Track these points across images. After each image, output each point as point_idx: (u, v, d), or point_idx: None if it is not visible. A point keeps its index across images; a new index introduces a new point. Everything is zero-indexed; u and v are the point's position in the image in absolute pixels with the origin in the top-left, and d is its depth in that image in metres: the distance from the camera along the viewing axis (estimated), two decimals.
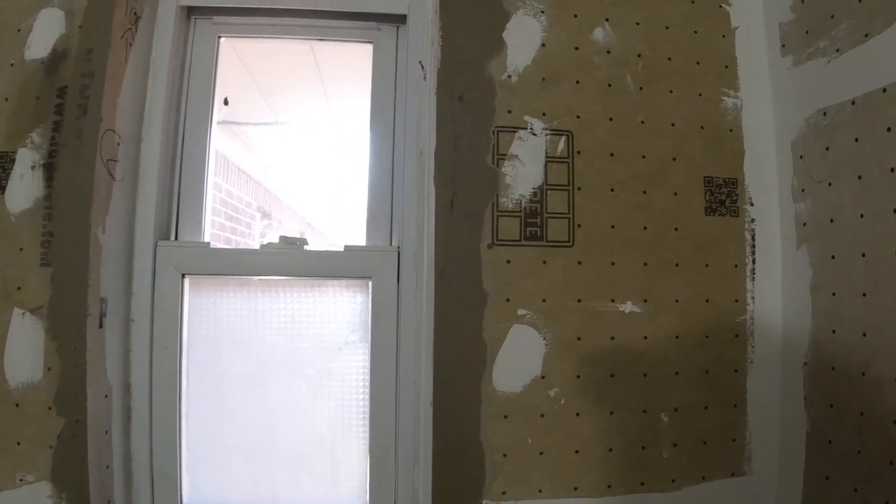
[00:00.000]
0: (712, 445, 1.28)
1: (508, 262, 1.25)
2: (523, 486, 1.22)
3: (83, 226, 1.18)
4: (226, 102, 1.44)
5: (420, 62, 1.33)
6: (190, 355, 1.30)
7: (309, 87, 1.60)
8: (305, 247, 1.30)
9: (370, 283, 1.30)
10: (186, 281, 1.29)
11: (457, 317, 1.21)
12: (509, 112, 1.28)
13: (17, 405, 1.17)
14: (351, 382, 1.32)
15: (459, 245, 1.22)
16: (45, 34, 1.23)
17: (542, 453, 1.23)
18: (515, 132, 1.27)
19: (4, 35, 1.24)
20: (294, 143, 1.57)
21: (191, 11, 1.35)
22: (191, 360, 1.31)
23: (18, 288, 1.18)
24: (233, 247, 1.26)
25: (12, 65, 1.25)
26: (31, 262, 1.19)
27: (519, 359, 1.22)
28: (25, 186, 1.21)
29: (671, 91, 1.33)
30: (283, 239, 1.30)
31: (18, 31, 1.24)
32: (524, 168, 1.27)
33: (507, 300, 1.24)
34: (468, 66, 1.27)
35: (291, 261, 1.29)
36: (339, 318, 1.32)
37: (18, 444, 1.18)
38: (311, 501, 1.32)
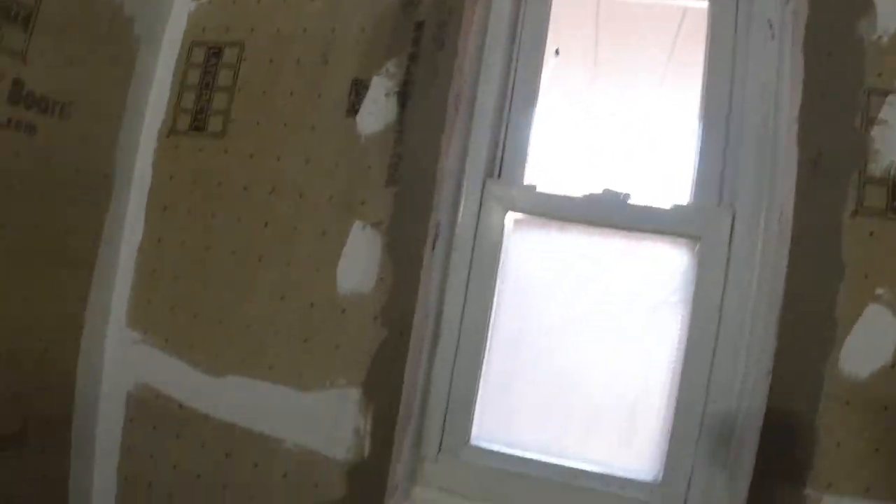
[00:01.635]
0: None
1: (871, 234, 1.14)
2: (851, 481, 1.10)
3: (433, 152, 1.23)
4: (557, 53, 1.47)
5: (769, 20, 1.28)
6: (502, 292, 1.31)
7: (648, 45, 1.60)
8: (629, 201, 1.28)
9: (697, 244, 1.25)
10: (509, 218, 1.30)
11: (809, 288, 1.12)
12: (879, 75, 1.18)
13: (343, 311, 1.23)
14: (661, 345, 1.27)
15: (820, 210, 1.14)
16: None
17: (877, 450, 1.11)
18: (886, 96, 1.18)
19: None
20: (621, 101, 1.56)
21: None
22: (502, 297, 1.32)
23: (362, 203, 1.25)
24: (558, 193, 1.25)
25: None
26: (376, 180, 1.25)
27: (869, 342, 1.11)
28: (378, 111, 1.28)
29: None
30: (608, 191, 1.29)
31: None
32: (894, 135, 1.18)
33: (866, 276, 1.13)
34: (836, 24, 1.19)
35: (615, 213, 1.27)
36: (657, 277, 1.28)
37: (337, 347, 1.23)
38: (599, 461, 1.28)
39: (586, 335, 1.29)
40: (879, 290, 1.10)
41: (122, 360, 1.39)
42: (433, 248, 1.24)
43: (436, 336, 1.29)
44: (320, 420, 1.24)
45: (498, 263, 1.30)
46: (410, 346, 1.20)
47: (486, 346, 1.30)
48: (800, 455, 1.10)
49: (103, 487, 1.40)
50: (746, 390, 1.17)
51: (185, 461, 1.33)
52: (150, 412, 1.36)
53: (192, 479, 1.33)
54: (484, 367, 1.30)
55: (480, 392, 1.31)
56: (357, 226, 1.25)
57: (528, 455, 1.28)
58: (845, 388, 1.09)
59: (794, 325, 1.11)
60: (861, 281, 1.10)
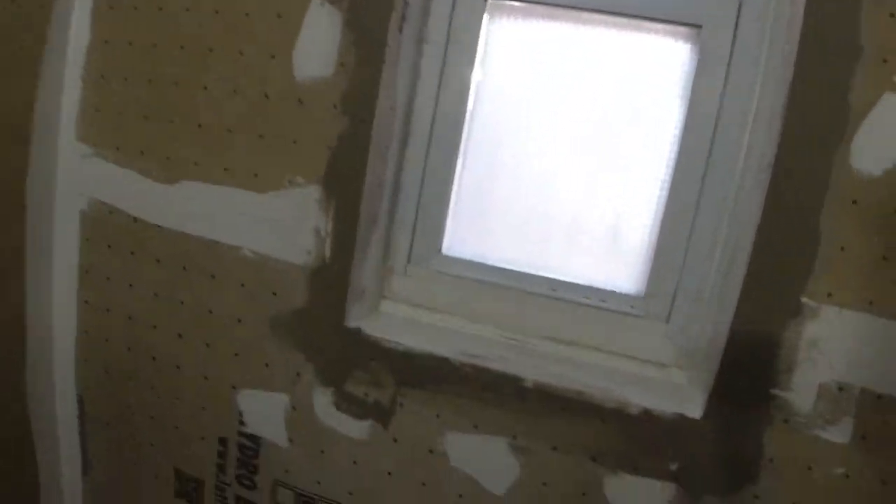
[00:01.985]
0: None
1: (892, 15, 0.97)
2: (854, 292, 0.97)
3: None
4: None
5: None
6: (480, 88, 1.16)
7: None
8: None
9: (700, 32, 1.08)
10: (489, 4, 1.13)
11: (821, 72, 0.96)
12: None
13: (301, 101, 1.10)
14: (654, 145, 1.12)
15: None
16: None
17: (885, 258, 0.97)
18: None
19: None
20: None
21: None
22: (480, 94, 1.16)
23: None
24: None
25: None
26: None
27: (884, 136, 0.96)
28: None
29: None
30: None
31: None
32: None
33: (884, 61, 0.96)
34: None
35: None
36: (654, 70, 1.12)
37: (295, 142, 1.10)
38: (581, 270, 1.16)
39: (573, 138, 1.14)
40: None
41: (74, 178, 1.29)
42: (400, 29, 1.08)
43: (405, 133, 1.16)
44: (278, 223, 1.13)
45: (475, 56, 1.15)
46: (373, 136, 1.07)
47: (460, 147, 1.16)
48: (798, 259, 0.96)
49: (63, 313, 1.33)
50: (743, 189, 1.03)
51: (141, 279, 1.25)
52: (104, 230, 1.27)
53: (150, 297, 1.25)
54: (458, 171, 1.17)
55: (454, 198, 1.18)
56: (315, 3, 1.09)
57: (504, 266, 1.16)
58: (855, 186, 0.94)
59: (801, 113, 0.95)
60: (879, 66, 0.93)
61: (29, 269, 1.28)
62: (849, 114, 0.94)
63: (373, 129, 1.07)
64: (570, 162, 1.15)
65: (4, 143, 1.19)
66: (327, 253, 1.11)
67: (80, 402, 1.38)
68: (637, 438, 1.06)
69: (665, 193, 1.10)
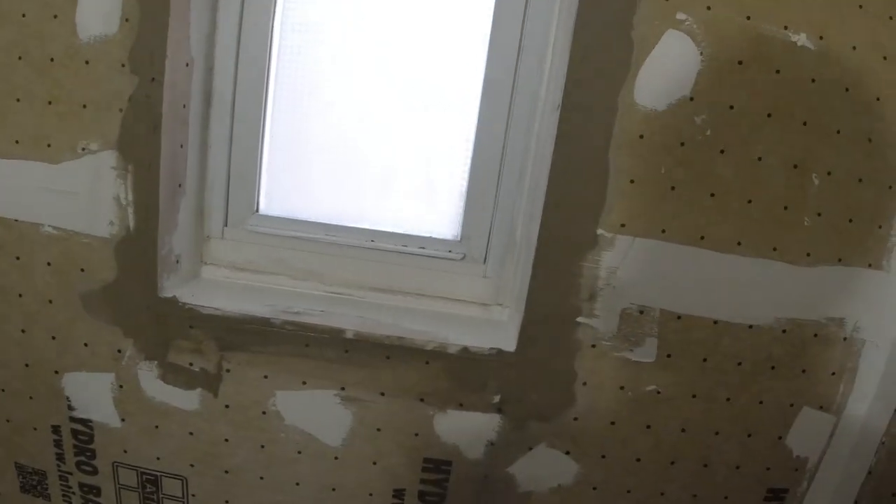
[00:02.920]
0: (857, 227, 1.06)
1: None
2: (646, 221, 1.02)
3: None
4: None
5: None
6: (282, 38, 1.13)
7: None
8: None
9: None
10: None
11: (604, 9, 0.99)
12: None
13: (87, 62, 1.03)
14: (461, 89, 1.13)
15: None
16: None
17: (673, 188, 1.02)
18: None
19: None
20: None
21: None
22: (283, 48, 1.13)
23: None
24: None
25: None
26: None
27: (668, 71, 1.00)
28: None
29: None
30: None
31: None
32: None
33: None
34: None
35: None
36: (458, 11, 1.12)
37: (84, 107, 1.04)
38: (399, 219, 1.16)
39: (381, 86, 1.14)
40: (681, 16, 0.97)
41: None
42: None
43: (207, 91, 1.11)
44: (76, 194, 1.07)
45: (274, 4, 1.11)
46: (165, 94, 1.02)
47: (267, 101, 1.13)
48: (591, 193, 1.00)
49: None
50: (542, 129, 1.06)
51: None
52: None
53: None
54: (267, 128, 1.15)
55: (266, 159, 1.16)
56: None
57: (322, 221, 1.15)
58: (640, 121, 0.98)
59: (585, 51, 0.98)
60: (661, 3, 0.97)
61: None
62: (632, 51, 0.98)
63: (164, 86, 1.02)
64: (380, 110, 1.15)
65: None
66: (131, 223, 1.06)
67: None
68: (459, 376, 1.08)
69: (473, 138, 1.11)
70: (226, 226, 1.15)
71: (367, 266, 1.14)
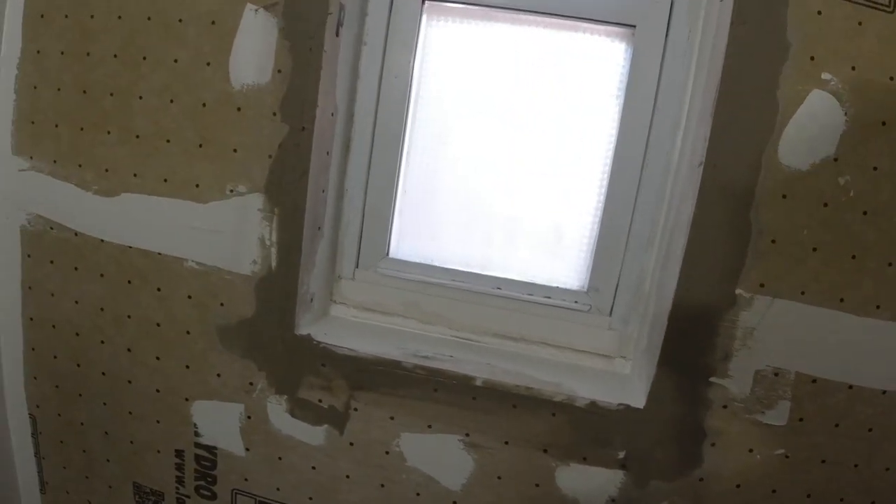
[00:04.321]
0: None
1: (819, 13, 0.99)
2: (785, 282, 1.01)
3: None
4: None
5: None
6: (420, 89, 1.16)
7: None
8: None
9: (634, 32, 1.10)
10: (426, 6, 1.13)
11: (750, 69, 0.98)
12: None
13: (239, 109, 1.08)
14: (592, 144, 1.14)
15: None
16: None
17: (815, 249, 1.01)
18: None
19: None
20: None
21: None
22: (420, 97, 1.17)
23: None
24: None
25: None
26: None
27: (812, 132, 0.99)
28: None
29: None
30: None
31: None
32: None
33: (812, 59, 0.99)
34: None
35: None
36: (590, 71, 1.13)
37: (234, 151, 1.09)
38: (525, 268, 1.17)
39: (513, 138, 1.16)
40: (826, 76, 0.96)
41: (12, 193, 1.25)
42: (337, 33, 1.07)
43: (347, 137, 1.15)
44: (222, 233, 1.12)
45: (414, 57, 1.15)
46: (314, 143, 1.06)
47: (403, 149, 1.16)
48: (731, 252, 0.99)
49: (8, 331, 1.30)
50: (678, 184, 1.06)
51: (87, 294, 1.23)
52: (46, 246, 1.24)
53: (96, 312, 1.23)
54: (401, 176, 1.18)
55: (399, 203, 1.19)
56: (249, 9, 1.08)
57: (450, 266, 1.17)
58: (784, 180, 0.97)
59: (731, 110, 0.97)
60: (806, 63, 0.96)
61: None
62: (777, 110, 0.97)
63: (314, 135, 1.06)
64: (510, 160, 1.17)
65: None
66: (273, 262, 1.10)
67: (33, 420, 1.35)
68: (585, 429, 1.08)
69: (604, 190, 1.12)
70: (357, 267, 1.19)
71: (492, 312, 1.16)
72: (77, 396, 1.29)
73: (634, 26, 1.09)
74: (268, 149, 1.08)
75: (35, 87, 1.22)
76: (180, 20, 1.11)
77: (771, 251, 1.00)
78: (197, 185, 1.12)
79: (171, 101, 1.13)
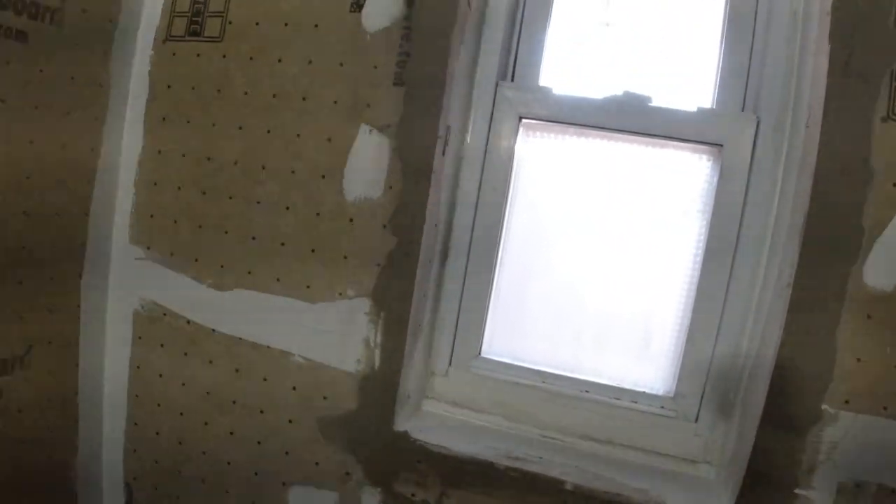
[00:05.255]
0: None
1: None
2: (869, 398, 1.05)
3: (443, 49, 1.14)
4: None
5: None
6: (515, 202, 1.25)
7: None
8: (650, 103, 1.20)
9: (721, 151, 1.17)
10: (523, 124, 1.22)
11: (835, 196, 1.05)
12: None
13: (351, 220, 1.17)
14: (679, 258, 1.21)
15: (850, 113, 1.06)
16: None
17: None
18: None
19: None
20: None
21: None
22: (514, 206, 1.25)
23: (368, 105, 1.17)
24: (575, 95, 1.16)
25: None
26: (383, 81, 1.17)
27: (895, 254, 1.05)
28: (385, 5, 1.18)
29: None
30: (628, 94, 1.20)
31: None
32: None
33: (895, 185, 1.06)
34: None
35: (635, 116, 1.18)
36: (677, 185, 1.20)
37: (345, 258, 1.18)
38: (613, 373, 1.23)
39: (602, 247, 1.23)
40: None
41: (127, 278, 1.35)
42: (444, 153, 1.17)
43: (446, 246, 1.24)
44: (329, 332, 1.20)
45: (511, 172, 1.23)
46: (420, 255, 1.15)
47: (497, 257, 1.24)
48: (818, 369, 1.04)
49: (113, 406, 1.39)
50: (765, 301, 1.11)
51: (194, 378, 1.31)
52: (157, 330, 1.34)
53: (202, 395, 1.31)
54: (495, 279, 1.25)
55: (492, 304, 1.26)
56: (363, 129, 1.18)
57: (539, 367, 1.23)
58: (868, 301, 1.02)
59: (817, 233, 1.03)
60: (889, 189, 1.02)
61: (82, 361, 1.34)
62: (862, 234, 1.03)
63: (420, 248, 1.15)
64: (600, 268, 1.24)
65: (63, 245, 1.26)
66: (376, 362, 1.18)
67: (129, 490, 1.43)
68: None
69: (692, 299, 1.18)
70: (450, 365, 1.26)
71: (580, 414, 1.21)
72: (176, 473, 1.37)
73: (721, 146, 1.16)
74: (377, 258, 1.17)
75: (155, 184, 1.33)
76: (298, 135, 1.22)
77: (856, 369, 1.05)
78: (308, 287, 1.21)
79: (287, 209, 1.22)
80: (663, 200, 1.21)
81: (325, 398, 1.22)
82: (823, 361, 1.05)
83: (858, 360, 1.04)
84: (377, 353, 1.18)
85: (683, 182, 1.21)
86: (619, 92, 1.20)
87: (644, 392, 1.20)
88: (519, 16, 1.26)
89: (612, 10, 1.29)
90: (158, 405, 1.36)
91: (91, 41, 1.25)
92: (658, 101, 1.18)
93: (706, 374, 1.18)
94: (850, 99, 1.04)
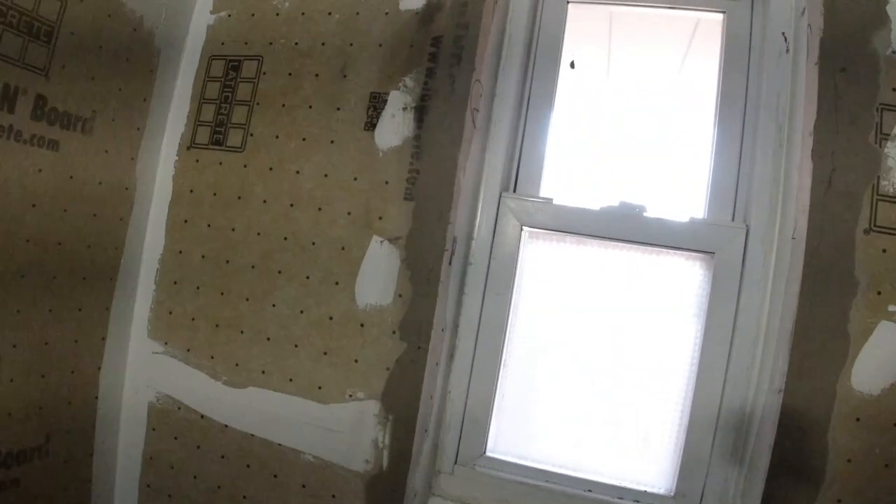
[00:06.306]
0: None
1: (884, 251, 1.14)
2: (860, 497, 1.11)
3: (450, 167, 1.24)
4: (572, 66, 1.47)
5: (783, 33, 1.27)
6: (518, 305, 1.32)
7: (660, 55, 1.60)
8: (645, 213, 1.29)
9: (713, 259, 1.26)
10: (525, 232, 1.31)
11: (821, 304, 1.13)
12: (894, 90, 1.19)
13: (362, 325, 1.24)
14: (676, 359, 1.28)
15: (833, 226, 1.15)
16: None
17: (886, 466, 1.11)
18: None
19: None
20: (631, 105, 1.55)
21: None
22: (518, 310, 1.33)
23: (380, 217, 1.26)
24: (574, 206, 1.26)
25: (387, 14, 1.34)
26: (394, 195, 1.26)
27: (881, 360, 1.11)
28: (396, 126, 1.29)
29: None
30: (624, 204, 1.30)
31: None
32: None
33: (878, 293, 1.13)
34: (850, 38, 1.19)
35: (631, 226, 1.27)
36: (671, 291, 1.29)
37: (356, 361, 1.24)
38: (614, 472, 1.29)
39: (601, 349, 1.30)
40: (892, 308, 1.10)
41: (144, 372, 1.41)
42: (450, 262, 1.25)
43: (452, 349, 1.30)
44: (339, 432, 1.25)
45: (514, 277, 1.31)
46: (428, 360, 1.21)
47: (501, 359, 1.31)
48: (811, 472, 1.10)
49: (125, 496, 1.43)
50: (759, 405, 1.18)
51: (206, 472, 1.35)
52: (171, 423, 1.39)
53: (213, 489, 1.35)
54: (500, 380, 1.31)
55: (496, 404, 1.32)
56: (375, 241, 1.26)
57: (543, 467, 1.29)
58: (856, 405, 1.09)
59: (806, 340, 1.11)
60: (873, 297, 1.10)
61: (96, 451, 1.39)
62: (849, 341, 1.10)
63: (428, 353, 1.21)
64: (601, 369, 1.30)
65: (84, 339, 1.32)
66: (384, 463, 1.23)
67: None
68: None
69: (689, 400, 1.24)
70: (456, 463, 1.31)
71: None
72: None
73: (713, 253, 1.24)
74: (386, 362, 1.24)
75: (175, 283, 1.40)
76: (313, 243, 1.30)
77: (847, 470, 1.10)
78: (319, 388, 1.27)
79: (301, 312, 1.29)
80: (660, 304, 1.29)
81: (333, 496, 1.26)
82: (816, 463, 1.10)
83: (849, 461, 1.10)
84: (385, 453, 1.23)
85: (678, 287, 1.29)
86: (615, 202, 1.29)
87: (646, 491, 1.25)
88: (521, 131, 1.36)
89: (609, 125, 1.40)
90: (169, 496, 1.40)
91: (119, 148, 1.34)
92: (652, 212, 1.27)
93: (705, 474, 1.23)
94: (834, 212, 1.13)
